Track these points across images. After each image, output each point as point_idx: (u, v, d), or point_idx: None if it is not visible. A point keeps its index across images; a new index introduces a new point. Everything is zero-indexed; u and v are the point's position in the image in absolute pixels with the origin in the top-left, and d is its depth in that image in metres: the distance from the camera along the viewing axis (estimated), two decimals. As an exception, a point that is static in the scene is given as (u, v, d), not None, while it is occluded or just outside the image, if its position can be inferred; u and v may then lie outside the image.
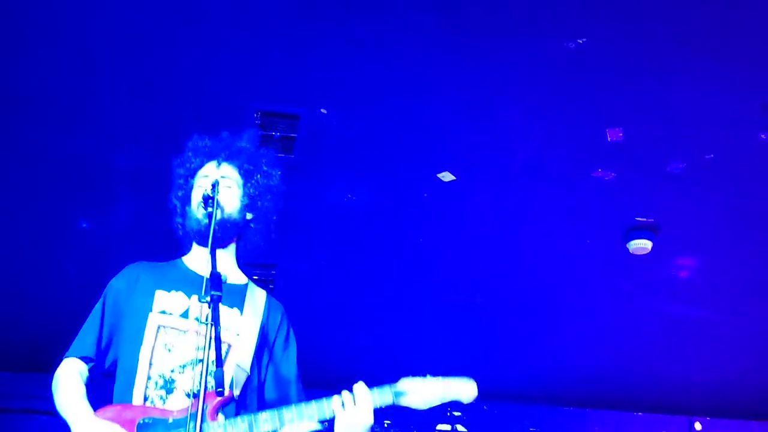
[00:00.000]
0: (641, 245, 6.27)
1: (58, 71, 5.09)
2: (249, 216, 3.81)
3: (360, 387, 3.35)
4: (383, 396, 3.37)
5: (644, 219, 6.19)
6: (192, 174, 3.79)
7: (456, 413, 8.85)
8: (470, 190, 6.01)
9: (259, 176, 3.84)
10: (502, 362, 8.03)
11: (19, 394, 8.17)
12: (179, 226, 3.85)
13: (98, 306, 3.70)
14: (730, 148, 5.57)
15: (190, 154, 3.83)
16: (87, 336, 3.63)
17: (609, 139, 5.48)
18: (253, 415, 3.33)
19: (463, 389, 3.44)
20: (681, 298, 7.09)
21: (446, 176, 5.87)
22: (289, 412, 3.31)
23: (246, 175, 3.80)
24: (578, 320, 7.46)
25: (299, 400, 3.57)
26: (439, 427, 8.87)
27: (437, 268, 6.87)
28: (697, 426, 8.91)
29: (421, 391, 3.37)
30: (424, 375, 3.42)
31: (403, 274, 6.96)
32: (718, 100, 5.23)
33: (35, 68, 5.07)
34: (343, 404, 3.34)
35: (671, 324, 7.42)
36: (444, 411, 8.84)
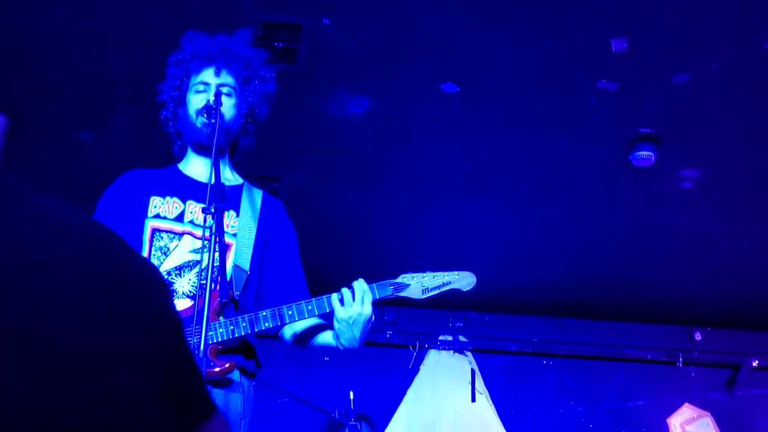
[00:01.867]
0: (645, 156, 6.25)
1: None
2: (245, 122, 3.82)
3: (359, 282, 3.41)
4: (382, 289, 3.43)
5: (648, 130, 6.16)
6: (188, 75, 3.78)
7: (458, 325, 8.93)
8: (472, 101, 5.98)
9: (256, 83, 3.84)
10: (503, 273, 8.08)
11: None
12: (167, 122, 3.86)
13: (95, 215, 3.74)
14: (735, 58, 5.53)
15: (187, 54, 3.81)
16: None
17: (613, 49, 5.43)
18: (253, 314, 3.38)
19: (462, 278, 3.47)
20: (683, 209, 7.11)
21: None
22: (290, 309, 3.36)
23: (244, 83, 3.80)
24: (580, 231, 7.48)
25: (303, 293, 3.64)
26: (441, 338, 8.96)
27: (438, 179, 6.87)
28: (697, 336, 9.00)
29: (420, 282, 3.43)
30: (424, 271, 3.48)
31: (405, 185, 6.96)
32: (724, 10, 5.17)
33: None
34: (342, 299, 3.39)
35: (673, 235, 7.44)
36: (446, 323, 8.92)
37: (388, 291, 3.45)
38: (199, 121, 3.64)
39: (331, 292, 3.44)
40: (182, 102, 3.77)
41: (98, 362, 1.32)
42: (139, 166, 3.91)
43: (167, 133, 3.88)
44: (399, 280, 3.45)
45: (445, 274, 3.45)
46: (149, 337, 1.41)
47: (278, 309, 3.38)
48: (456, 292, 3.51)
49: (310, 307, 3.38)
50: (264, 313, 3.38)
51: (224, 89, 3.66)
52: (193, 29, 3.90)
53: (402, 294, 3.43)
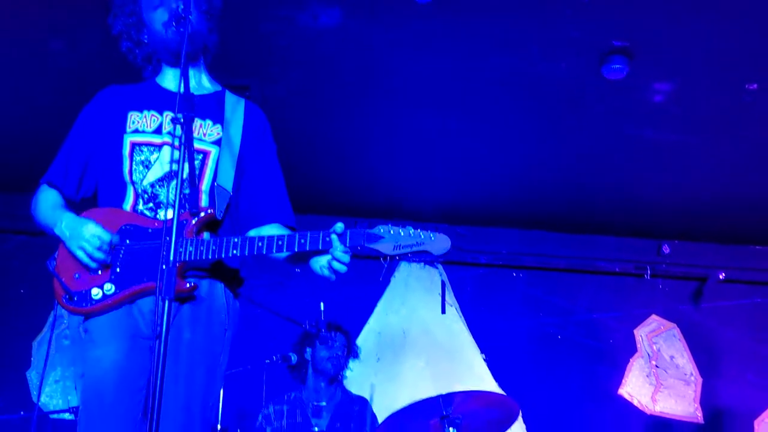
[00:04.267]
0: (616, 69, 6.24)
1: None
2: (206, 19, 3.77)
3: (337, 229, 3.35)
4: (355, 239, 3.36)
5: (621, 42, 6.14)
6: None
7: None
8: (445, 13, 5.93)
9: None
10: (474, 186, 8.10)
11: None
12: (132, 51, 3.81)
13: (71, 133, 3.73)
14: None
15: None
16: (60, 163, 3.67)
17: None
18: (225, 239, 3.34)
19: (436, 242, 3.40)
20: (654, 122, 7.12)
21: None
22: (261, 242, 3.31)
23: None
24: (551, 144, 7.49)
25: (287, 215, 3.62)
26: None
27: (410, 93, 6.84)
28: (665, 249, 9.08)
29: (395, 237, 3.36)
30: (403, 226, 3.41)
31: (377, 99, 6.93)
32: None
33: None
34: (319, 242, 3.34)
35: (643, 148, 7.47)
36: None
37: (360, 241, 3.38)
38: (170, 32, 3.59)
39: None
40: (142, 25, 3.72)
41: None
42: (110, 76, 3.87)
43: (135, 62, 3.83)
44: (374, 231, 3.40)
45: (422, 233, 3.37)
46: None
47: (249, 239, 3.32)
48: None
49: (280, 243, 3.31)
50: (235, 240, 3.33)
51: None
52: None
53: (372, 246, 3.37)
